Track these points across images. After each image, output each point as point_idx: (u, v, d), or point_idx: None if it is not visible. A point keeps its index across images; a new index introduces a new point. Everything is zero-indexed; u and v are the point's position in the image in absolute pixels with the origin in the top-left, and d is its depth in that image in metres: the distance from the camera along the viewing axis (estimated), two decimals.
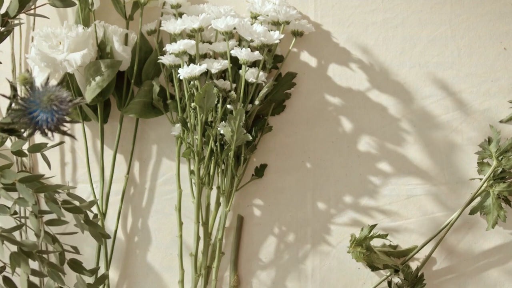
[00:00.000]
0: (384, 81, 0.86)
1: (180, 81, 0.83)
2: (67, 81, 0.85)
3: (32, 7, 0.75)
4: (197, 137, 0.80)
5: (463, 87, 0.85)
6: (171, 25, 0.80)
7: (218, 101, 0.79)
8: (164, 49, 0.82)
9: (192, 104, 0.80)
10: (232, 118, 0.76)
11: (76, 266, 0.73)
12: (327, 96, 0.86)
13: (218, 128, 0.79)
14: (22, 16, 0.77)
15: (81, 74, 0.83)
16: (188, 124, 0.81)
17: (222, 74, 0.83)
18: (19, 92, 0.53)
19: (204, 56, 0.83)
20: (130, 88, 0.86)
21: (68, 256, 0.74)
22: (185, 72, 0.77)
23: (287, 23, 0.81)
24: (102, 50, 0.84)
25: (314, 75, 0.86)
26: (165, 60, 0.81)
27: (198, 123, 0.79)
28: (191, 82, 0.79)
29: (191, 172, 0.83)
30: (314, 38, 0.87)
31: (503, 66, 0.84)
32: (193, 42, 0.79)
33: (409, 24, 0.86)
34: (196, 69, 0.77)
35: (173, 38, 0.81)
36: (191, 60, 0.82)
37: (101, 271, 0.84)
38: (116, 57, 0.84)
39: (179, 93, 0.84)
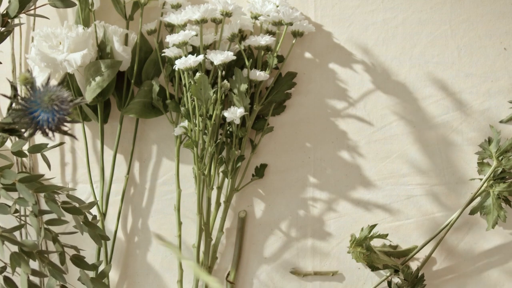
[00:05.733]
0: (384, 81, 0.86)
1: (180, 79, 0.83)
2: (67, 81, 0.85)
3: (32, 7, 0.75)
4: (197, 128, 0.80)
5: (463, 87, 0.85)
6: (174, 16, 0.80)
7: (216, 92, 0.79)
8: (163, 51, 0.82)
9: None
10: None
11: (79, 261, 0.73)
12: (327, 96, 0.86)
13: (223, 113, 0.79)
14: (22, 16, 0.77)
15: (81, 74, 0.83)
16: (191, 116, 0.81)
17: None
18: (19, 92, 0.53)
19: (209, 47, 0.83)
20: (130, 88, 0.86)
21: (68, 256, 0.74)
22: (180, 62, 0.78)
23: (291, 24, 0.81)
24: (102, 50, 0.84)
25: (314, 75, 0.86)
26: (169, 52, 0.81)
27: (197, 113, 0.79)
28: (185, 73, 0.79)
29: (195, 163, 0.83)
30: (314, 38, 0.87)
31: (503, 66, 0.84)
32: (193, 32, 0.79)
33: (409, 24, 0.86)
34: (190, 60, 0.77)
35: (178, 31, 0.81)
36: (197, 52, 0.82)
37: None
38: (116, 57, 0.84)
39: (178, 89, 0.84)
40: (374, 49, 0.86)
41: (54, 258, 0.86)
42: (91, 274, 0.78)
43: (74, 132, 0.89)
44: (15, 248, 0.68)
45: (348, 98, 0.86)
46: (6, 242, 0.67)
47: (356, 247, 0.80)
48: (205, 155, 0.81)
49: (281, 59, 0.85)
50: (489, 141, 0.82)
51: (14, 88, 0.51)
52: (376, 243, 0.83)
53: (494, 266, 0.83)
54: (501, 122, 0.84)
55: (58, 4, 0.77)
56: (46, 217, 0.84)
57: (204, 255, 0.82)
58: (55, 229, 0.72)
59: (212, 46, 0.84)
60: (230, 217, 0.86)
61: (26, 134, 0.50)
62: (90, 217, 0.74)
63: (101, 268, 0.80)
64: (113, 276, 0.87)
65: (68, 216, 0.71)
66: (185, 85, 0.81)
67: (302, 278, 0.85)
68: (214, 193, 0.83)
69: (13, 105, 0.51)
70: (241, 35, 0.85)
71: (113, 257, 0.86)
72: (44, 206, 0.81)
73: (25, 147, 0.80)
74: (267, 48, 0.83)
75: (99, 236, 0.73)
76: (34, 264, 0.70)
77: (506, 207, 0.81)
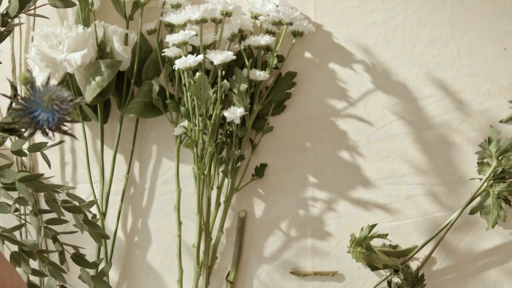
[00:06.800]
0: (384, 81, 0.86)
1: (180, 79, 0.83)
2: (67, 81, 0.85)
3: (32, 7, 0.75)
4: (197, 127, 0.80)
5: (463, 87, 0.85)
6: (174, 16, 0.81)
7: (216, 91, 0.79)
8: (163, 51, 0.82)
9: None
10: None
11: (80, 259, 0.73)
12: (327, 96, 0.86)
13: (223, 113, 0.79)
14: (22, 16, 0.77)
15: (81, 74, 0.83)
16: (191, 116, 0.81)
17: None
18: (19, 92, 0.53)
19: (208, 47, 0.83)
20: (130, 88, 0.86)
21: (69, 254, 0.74)
22: (180, 62, 0.78)
23: (291, 24, 0.81)
24: (102, 50, 0.84)
25: (314, 75, 0.86)
26: (169, 52, 0.81)
27: (196, 113, 0.79)
28: (185, 73, 0.79)
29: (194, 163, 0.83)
30: (314, 38, 0.87)
31: (503, 66, 0.84)
32: (193, 32, 0.79)
33: (409, 24, 0.86)
34: (190, 59, 0.77)
35: (178, 31, 0.81)
36: (197, 52, 0.82)
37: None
38: (116, 57, 0.84)
39: (178, 89, 0.84)
40: (374, 49, 0.86)
41: (54, 258, 0.86)
42: (92, 272, 0.78)
43: (74, 132, 0.89)
44: (15, 248, 0.68)
45: (348, 98, 0.86)
46: (6, 242, 0.67)
47: (356, 247, 0.80)
48: (205, 155, 0.81)
49: (281, 59, 0.85)
50: (489, 141, 0.82)
51: (14, 87, 0.51)
52: (376, 243, 0.83)
53: (494, 266, 0.83)
54: (501, 122, 0.84)
55: (58, 4, 0.77)
56: (46, 216, 0.84)
57: (204, 255, 0.82)
58: (55, 228, 0.72)
59: (212, 46, 0.84)
60: (230, 217, 0.86)
61: (26, 134, 0.50)
62: (90, 216, 0.75)
63: (101, 267, 0.80)
64: (113, 276, 0.87)
65: (68, 216, 0.71)
66: (185, 85, 0.81)
67: (302, 278, 0.85)
68: (214, 193, 0.83)
69: (13, 104, 0.51)
70: (241, 35, 0.85)
71: (113, 257, 0.86)
72: (44, 205, 0.82)
73: (25, 146, 0.80)
74: (267, 48, 0.83)
75: (99, 234, 0.73)
76: (34, 264, 0.70)
77: (506, 207, 0.81)
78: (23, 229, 0.84)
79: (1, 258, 0.56)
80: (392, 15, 0.86)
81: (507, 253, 0.83)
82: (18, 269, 0.67)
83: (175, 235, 0.85)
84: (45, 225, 0.71)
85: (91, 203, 0.73)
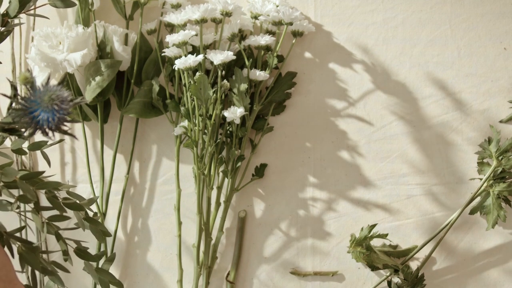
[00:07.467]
0: (384, 81, 0.86)
1: (180, 79, 0.83)
2: (67, 81, 0.85)
3: (32, 7, 0.75)
4: (197, 127, 0.80)
5: (463, 87, 0.85)
6: (174, 16, 0.81)
7: (216, 91, 0.79)
8: (163, 51, 0.82)
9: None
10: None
11: (83, 253, 0.73)
12: (327, 96, 0.86)
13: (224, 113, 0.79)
14: (22, 16, 0.77)
15: (81, 74, 0.83)
16: (191, 116, 0.81)
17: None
18: (19, 92, 0.53)
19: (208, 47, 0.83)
20: (130, 88, 0.86)
21: (70, 252, 0.74)
22: (180, 62, 0.78)
23: (291, 24, 0.81)
24: (102, 50, 0.84)
25: (314, 75, 0.86)
26: (169, 52, 0.81)
27: (196, 113, 0.79)
28: (185, 73, 0.79)
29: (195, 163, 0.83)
30: (314, 38, 0.87)
31: (503, 66, 0.84)
32: (193, 32, 0.79)
33: (409, 24, 0.86)
34: (190, 59, 0.77)
35: (178, 31, 0.81)
36: (197, 52, 0.82)
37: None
38: (116, 57, 0.84)
39: (178, 89, 0.84)
40: (374, 49, 0.86)
41: (55, 258, 0.86)
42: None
43: (74, 132, 0.89)
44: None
45: (348, 98, 0.86)
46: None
47: (356, 247, 0.80)
48: (205, 155, 0.81)
49: (281, 59, 0.85)
50: (489, 141, 0.82)
51: (14, 87, 0.51)
52: (376, 243, 0.83)
53: (494, 266, 0.83)
54: (501, 122, 0.84)
55: (58, 4, 0.77)
56: (46, 215, 0.84)
57: (204, 255, 0.82)
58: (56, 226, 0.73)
59: (212, 46, 0.84)
60: (230, 217, 0.86)
61: (26, 134, 0.50)
62: (90, 214, 0.75)
63: (101, 265, 0.80)
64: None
65: (69, 213, 0.71)
66: (185, 85, 0.81)
67: (302, 278, 0.85)
68: (214, 193, 0.83)
69: (13, 104, 0.51)
70: (241, 35, 0.85)
71: None
72: (44, 203, 0.82)
73: (25, 145, 0.80)
74: (267, 48, 0.83)
75: (101, 232, 0.73)
76: None
77: (506, 207, 0.81)
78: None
79: None
80: (392, 15, 0.86)
81: (507, 253, 0.83)
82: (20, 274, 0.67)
83: (175, 235, 0.85)
84: (47, 221, 0.71)
85: (92, 201, 0.74)
